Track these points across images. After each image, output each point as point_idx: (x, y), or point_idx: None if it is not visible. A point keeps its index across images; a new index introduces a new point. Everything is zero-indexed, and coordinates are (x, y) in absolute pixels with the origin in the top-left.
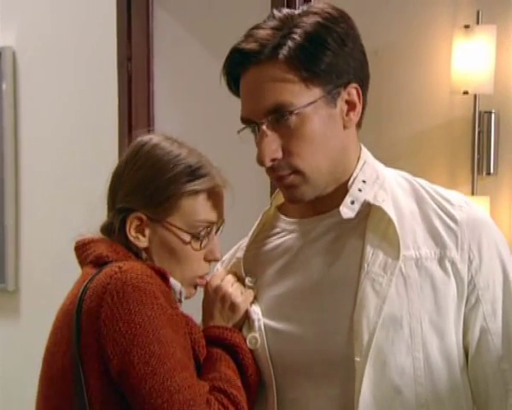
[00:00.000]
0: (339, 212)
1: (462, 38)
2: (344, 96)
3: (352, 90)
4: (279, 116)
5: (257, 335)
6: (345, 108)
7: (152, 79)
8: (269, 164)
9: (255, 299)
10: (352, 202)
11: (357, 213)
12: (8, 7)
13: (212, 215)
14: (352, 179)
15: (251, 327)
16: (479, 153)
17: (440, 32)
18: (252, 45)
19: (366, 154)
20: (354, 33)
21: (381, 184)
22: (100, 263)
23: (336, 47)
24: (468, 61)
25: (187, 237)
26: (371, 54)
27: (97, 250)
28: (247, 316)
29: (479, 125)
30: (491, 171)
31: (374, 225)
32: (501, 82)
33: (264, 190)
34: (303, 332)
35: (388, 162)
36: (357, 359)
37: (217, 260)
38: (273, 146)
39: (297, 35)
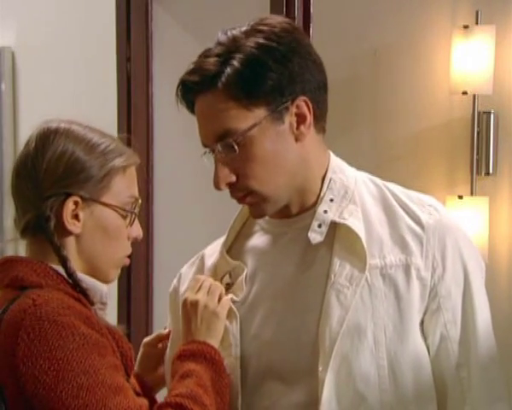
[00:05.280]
0: (310, 215)
1: (461, 39)
2: (292, 110)
3: (301, 103)
4: (226, 142)
5: (232, 351)
6: (294, 121)
7: (151, 79)
8: (224, 188)
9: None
10: (320, 226)
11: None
12: (8, 7)
13: (135, 191)
14: (318, 200)
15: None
16: (478, 153)
17: (439, 32)
18: (193, 77)
19: (334, 164)
20: (301, 47)
21: (350, 198)
22: (17, 286)
23: (279, 66)
24: (467, 61)
25: (122, 214)
26: (370, 54)
27: (13, 272)
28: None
29: (478, 126)
30: (491, 171)
31: (341, 239)
32: (500, 82)
33: None
34: (273, 339)
35: (387, 163)
36: (320, 368)
37: (138, 239)
38: (225, 171)
39: (236, 61)
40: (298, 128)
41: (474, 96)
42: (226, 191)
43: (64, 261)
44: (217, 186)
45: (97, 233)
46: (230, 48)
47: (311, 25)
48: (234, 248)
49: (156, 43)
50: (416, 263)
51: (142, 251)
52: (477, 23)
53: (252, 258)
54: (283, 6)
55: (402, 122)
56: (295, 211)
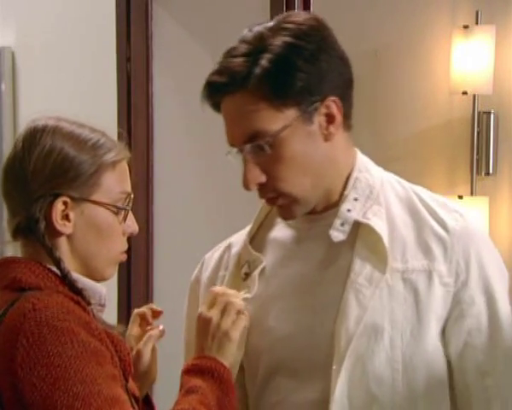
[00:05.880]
0: (334, 214)
1: (462, 39)
2: (322, 110)
3: (331, 104)
4: (257, 144)
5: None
6: (323, 122)
7: (151, 79)
8: (253, 188)
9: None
10: (342, 224)
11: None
12: (7, 7)
13: (127, 186)
14: (342, 198)
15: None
16: (478, 153)
17: (439, 32)
18: (221, 78)
19: (360, 163)
20: (329, 44)
21: (374, 198)
22: (15, 288)
23: (308, 66)
24: (467, 61)
25: (114, 211)
26: (370, 54)
27: (11, 273)
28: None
29: (478, 126)
30: (491, 171)
31: (363, 238)
32: (500, 82)
33: None
34: (288, 335)
35: (387, 163)
36: (334, 366)
37: (134, 234)
38: (255, 172)
39: (265, 61)
40: (327, 128)
41: (474, 96)
42: (226, 191)
43: (57, 262)
44: (246, 187)
45: (90, 232)
46: (258, 47)
47: None
48: (257, 238)
49: (156, 43)
50: (439, 269)
51: (142, 251)
52: (477, 23)
53: (272, 250)
54: (283, 6)
55: (402, 122)
56: (320, 208)
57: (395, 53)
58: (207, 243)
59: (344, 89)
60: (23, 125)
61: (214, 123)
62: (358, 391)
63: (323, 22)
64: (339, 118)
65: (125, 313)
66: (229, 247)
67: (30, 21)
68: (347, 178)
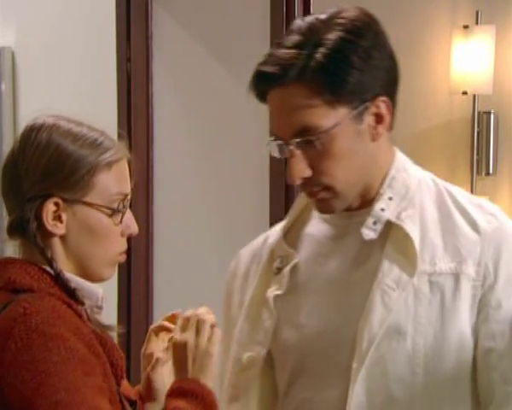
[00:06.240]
0: (368, 212)
1: (462, 39)
2: (371, 109)
3: (381, 104)
4: (306, 139)
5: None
6: (372, 121)
7: (151, 79)
8: (298, 182)
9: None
10: (375, 223)
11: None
12: (8, 7)
13: (124, 187)
14: (377, 197)
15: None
16: (478, 153)
17: (439, 32)
18: (273, 68)
19: (399, 162)
20: (381, 40)
21: (410, 198)
22: (10, 289)
23: (361, 63)
24: (468, 61)
25: (108, 213)
26: None
27: (6, 274)
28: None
29: (478, 126)
30: (491, 171)
31: (394, 240)
32: (500, 82)
33: (263, 188)
34: (319, 330)
35: None
36: (354, 365)
37: (133, 234)
38: (302, 166)
39: (319, 55)
40: (375, 128)
41: (474, 96)
42: (226, 191)
43: (49, 262)
44: (292, 181)
45: (83, 233)
46: (311, 39)
47: None
48: (292, 232)
49: (156, 43)
50: (468, 272)
51: (142, 251)
52: (477, 23)
53: (307, 246)
54: (283, 6)
55: (402, 122)
56: (355, 205)
57: (395, 53)
58: (207, 243)
59: (392, 87)
60: (23, 125)
61: (214, 123)
62: (377, 391)
63: (375, 18)
64: (387, 118)
65: (125, 314)
66: (265, 240)
67: (30, 21)
68: (384, 177)
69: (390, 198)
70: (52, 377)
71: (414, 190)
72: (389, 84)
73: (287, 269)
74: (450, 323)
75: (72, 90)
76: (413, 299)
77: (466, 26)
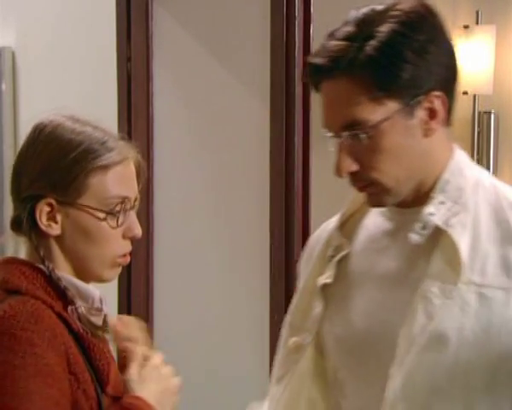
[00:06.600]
0: (419, 212)
1: (462, 38)
2: (424, 104)
3: (435, 99)
4: (353, 133)
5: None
6: (425, 116)
7: (151, 79)
8: (345, 176)
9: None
10: (423, 228)
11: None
12: (8, 7)
13: (124, 190)
14: (428, 200)
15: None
16: (478, 153)
17: None
18: (322, 60)
19: (456, 163)
20: (439, 34)
21: (463, 203)
22: (3, 288)
23: (415, 58)
24: (468, 61)
25: (101, 216)
26: None
27: (2, 274)
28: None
29: (478, 126)
30: (491, 171)
31: (443, 245)
32: (500, 82)
33: (263, 188)
34: (365, 328)
35: None
36: (392, 369)
37: (136, 237)
38: (349, 160)
39: (370, 48)
40: (428, 123)
41: (475, 96)
42: (226, 190)
43: (42, 261)
44: (338, 174)
45: (77, 235)
46: (364, 32)
47: (311, 25)
48: (350, 220)
49: (156, 43)
50: None
51: (142, 251)
52: (477, 23)
53: (361, 237)
54: (283, 6)
55: None
56: (410, 201)
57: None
58: (207, 243)
59: (449, 82)
60: (23, 125)
61: (214, 123)
62: (413, 398)
63: (433, 11)
64: (441, 114)
65: (125, 313)
66: (326, 226)
67: (30, 21)
68: (439, 176)
69: (441, 202)
70: (5, 379)
71: (469, 194)
72: (446, 80)
73: (336, 259)
74: (495, 338)
75: (73, 90)
76: (458, 309)
77: (466, 26)
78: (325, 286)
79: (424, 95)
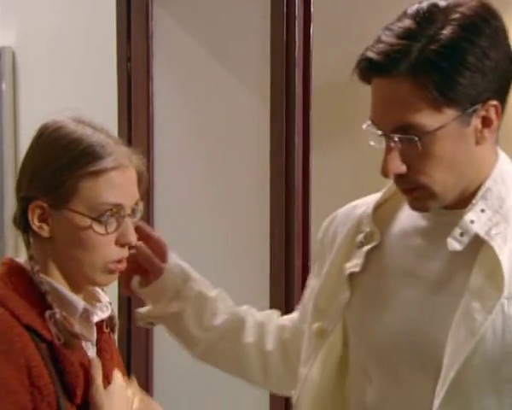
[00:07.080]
0: (459, 216)
1: None
2: (480, 113)
3: (491, 108)
4: (407, 137)
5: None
6: (479, 124)
7: (151, 79)
8: (392, 177)
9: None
10: (462, 234)
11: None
12: (8, 7)
13: (116, 197)
14: (469, 206)
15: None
16: None
17: None
18: (379, 57)
19: (499, 170)
20: (500, 39)
21: (504, 213)
22: None
23: (477, 64)
24: None
25: (87, 222)
26: None
27: None
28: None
29: None
30: None
31: (484, 257)
32: None
33: (263, 188)
34: (395, 330)
35: None
36: (437, 389)
37: (130, 245)
38: (398, 162)
39: (431, 51)
40: (482, 132)
41: None
42: (227, 190)
43: (30, 260)
44: (385, 174)
45: (67, 238)
46: (425, 31)
47: (311, 25)
48: (384, 208)
49: (156, 43)
50: None
51: None
52: None
53: (393, 229)
54: (283, 6)
55: None
56: (451, 204)
57: None
58: (207, 242)
59: (505, 91)
60: (23, 126)
61: (215, 123)
62: None
63: (496, 12)
64: (496, 123)
65: (125, 314)
66: (354, 208)
67: (30, 21)
68: (482, 183)
69: (482, 210)
70: None
71: (509, 204)
72: (502, 87)
73: (366, 248)
74: None
75: (73, 90)
76: (501, 326)
77: None
78: (352, 274)
79: (482, 103)
